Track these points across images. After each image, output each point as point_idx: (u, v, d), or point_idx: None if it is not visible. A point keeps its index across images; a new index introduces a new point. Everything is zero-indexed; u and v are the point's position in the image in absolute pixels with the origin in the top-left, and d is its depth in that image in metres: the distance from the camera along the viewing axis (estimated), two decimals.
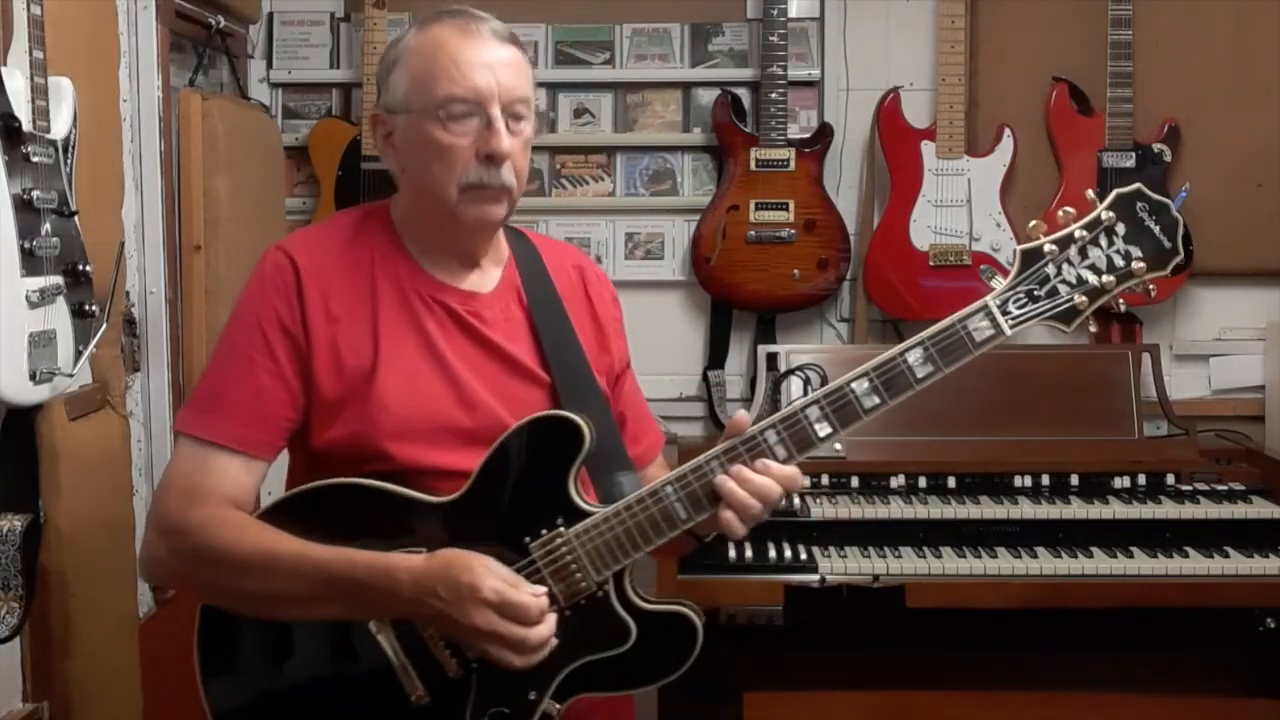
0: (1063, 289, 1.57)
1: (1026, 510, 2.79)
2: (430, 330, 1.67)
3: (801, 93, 3.44)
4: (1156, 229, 1.58)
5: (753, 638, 2.68)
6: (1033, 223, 1.61)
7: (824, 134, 3.36)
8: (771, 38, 3.28)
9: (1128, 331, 3.27)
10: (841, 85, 3.43)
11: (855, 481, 2.91)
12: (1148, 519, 2.77)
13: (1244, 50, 3.30)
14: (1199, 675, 2.83)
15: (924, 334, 1.57)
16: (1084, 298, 1.57)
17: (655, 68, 3.50)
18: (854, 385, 1.57)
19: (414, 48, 1.64)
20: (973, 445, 2.91)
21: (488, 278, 1.74)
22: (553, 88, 3.50)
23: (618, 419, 1.79)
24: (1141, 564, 2.65)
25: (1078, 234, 1.58)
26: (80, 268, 2.21)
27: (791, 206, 3.30)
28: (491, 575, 1.51)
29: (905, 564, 2.65)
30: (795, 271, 3.30)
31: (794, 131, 3.36)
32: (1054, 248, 1.58)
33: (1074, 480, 2.89)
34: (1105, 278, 1.57)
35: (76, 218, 2.20)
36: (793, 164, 3.31)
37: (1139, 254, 1.57)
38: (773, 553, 2.66)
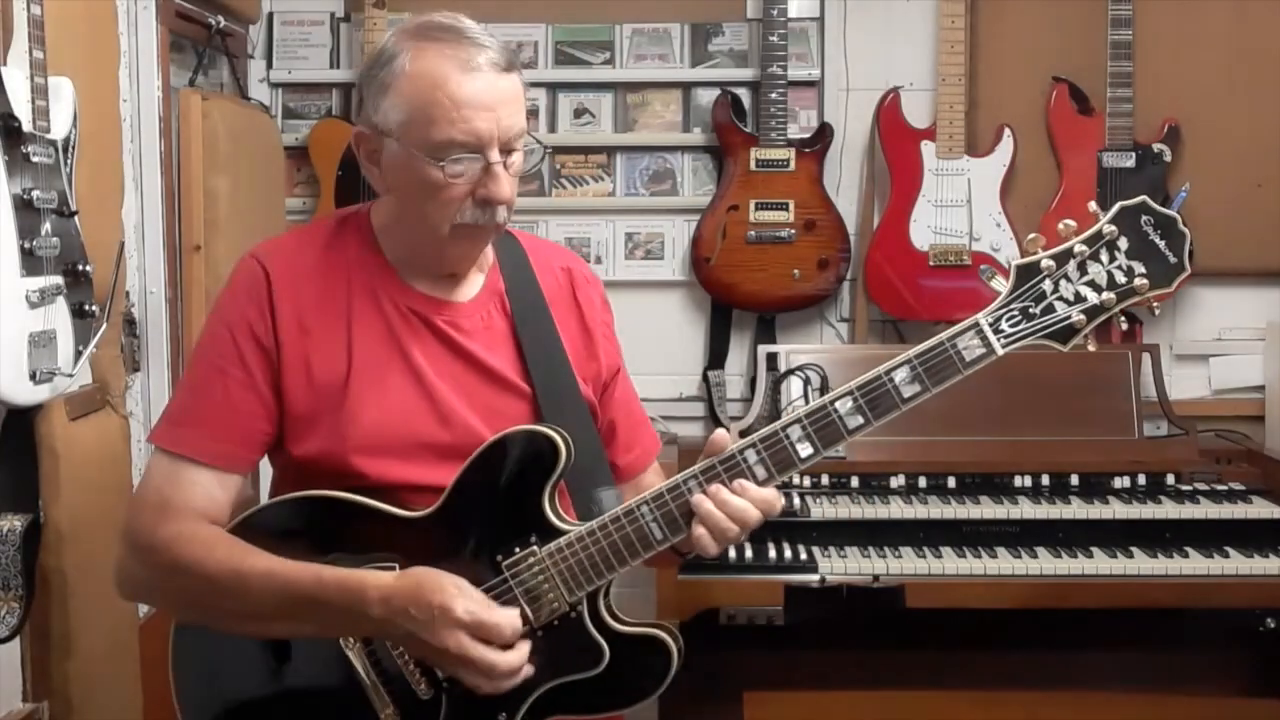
0: (1060, 306, 1.51)
1: (1026, 510, 2.79)
2: (406, 342, 1.64)
3: (801, 93, 3.44)
4: (1162, 244, 1.51)
5: (753, 638, 2.68)
6: (1030, 235, 1.54)
7: (824, 134, 3.36)
8: (771, 38, 3.28)
9: (1127, 331, 3.26)
10: (841, 85, 3.43)
11: (855, 481, 2.90)
12: (1148, 519, 2.77)
13: (1244, 50, 3.30)
14: (1199, 675, 2.83)
15: (911, 352, 1.52)
16: (1082, 316, 1.51)
17: (655, 68, 3.50)
18: (837, 405, 1.52)
19: (410, 76, 1.55)
20: (973, 445, 2.91)
21: (469, 285, 1.70)
22: (553, 88, 3.50)
23: (607, 427, 1.76)
24: (1141, 564, 2.65)
25: (1077, 249, 1.51)
26: (80, 268, 2.21)
27: (791, 206, 3.30)
28: (464, 596, 1.48)
29: (905, 564, 2.65)
30: (795, 271, 3.30)
31: (794, 131, 3.36)
32: (1051, 263, 1.51)
33: (1074, 480, 2.89)
34: (1105, 295, 1.50)
35: (76, 218, 2.21)
36: (793, 164, 3.31)
37: (1142, 270, 1.50)
38: (773, 553, 2.66)
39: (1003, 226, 3.27)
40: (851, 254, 3.34)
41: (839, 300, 3.43)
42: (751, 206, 3.30)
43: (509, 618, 1.50)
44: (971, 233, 3.27)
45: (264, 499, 1.68)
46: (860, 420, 1.52)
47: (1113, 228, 1.51)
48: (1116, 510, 2.78)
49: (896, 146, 3.31)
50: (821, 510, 2.77)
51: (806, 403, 2.97)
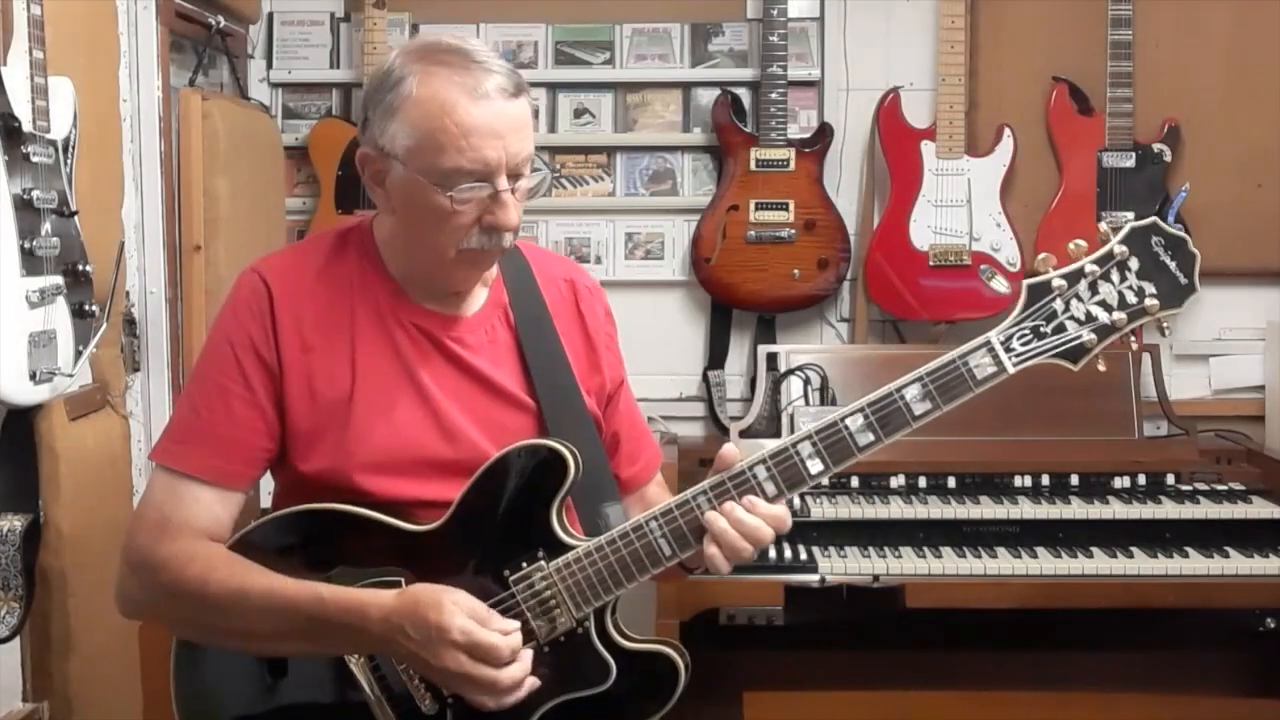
0: (1071, 325, 1.52)
1: (1026, 510, 2.79)
2: (411, 358, 1.63)
3: (801, 93, 3.43)
4: (1172, 264, 1.52)
5: (753, 638, 2.68)
6: (1041, 255, 1.54)
7: (824, 134, 3.36)
8: (771, 38, 3.28)
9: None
10: (841, 85, 3.43)
11: (855, 481, 2.90)
12: (1148, 519, 2.77)
13: (1244, 50, 3.29)
14: (1199, 675, 2.83)
15: (923, 369, 1.52)
16: (1093, 335, 1.52)
17: (655, 68, 3.49)
18: (848, 421, 1.52)
19: (417, 101, 1.52)
20: (973, 445, 2.91)
21: (473, 299, 1.68)
22: (553, 88, 3.50)
23: (611, 439, 1.76)
24: (1141, 564, 2.65)
25: (1088, 268, 1.52)
26: (80, 268, 2.21)
27: (791, 206, 3.30)
28: (460, 614, 1.46)
29: (905, 564, 2.65)
30: (795, 271, 3.30)
31: (794, 131, 3.36)
32: (1063, 282, 1.52)
33: (1074, 480, 2.89)
34: (1116, 315, 1.51)
35: (76, 218, 2.21)
36: (793, 164, 3.31)
37: (1153, 290, 1.51)
38: (773, 553, 2.65)
39: (1003, 226, 3.27)
40: (851, 254, 3.34)
41: (839, 300, 3.43)
42: (751, 206, 3.30)
43: (505, 638, 1.48)
44: (971, 233, 3.27)
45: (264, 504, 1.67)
46: (871, 437, 1.52)
47: (1124, 248, 1.52)
48: (1116, 510, 2.78)
49: (896, 146, 3.31)
50: (821, 510, 2.77)
51: (807, 403, 2.98)
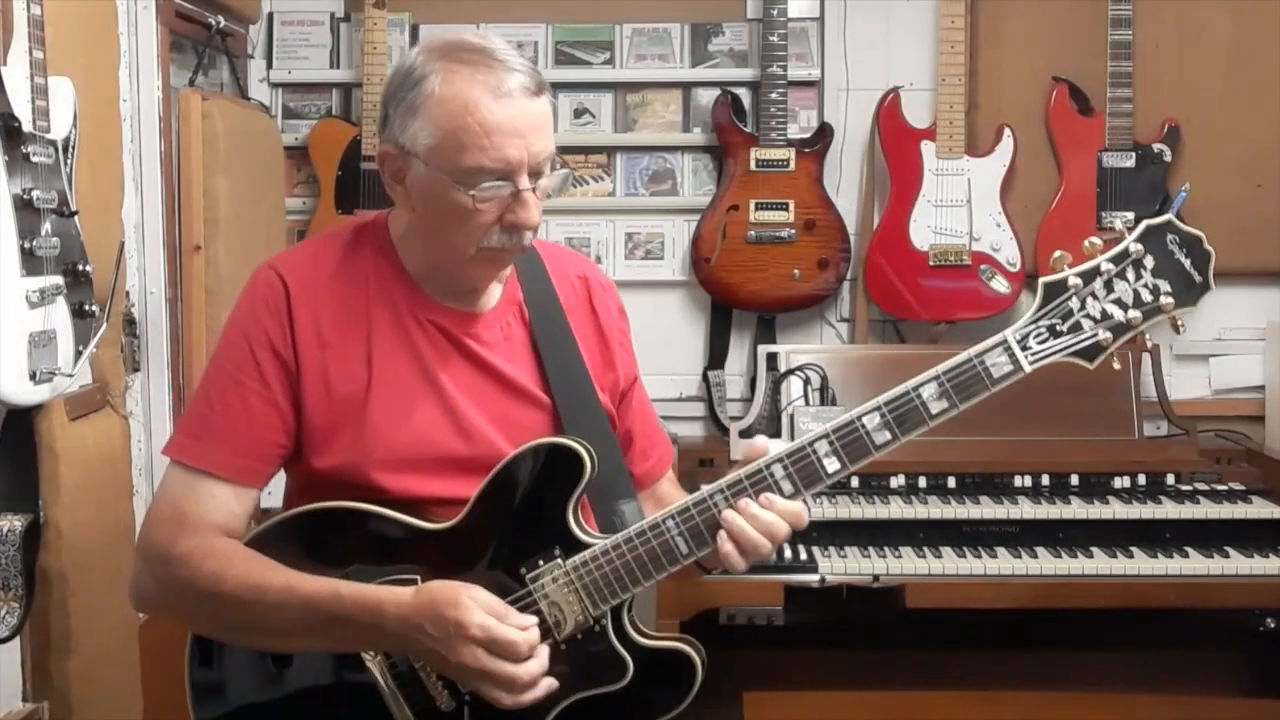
0: (1086, 324, 1.51)
1: (1026, 510, 2.79)
2: (427, 355, 1.63)
3: (801, 93, 3.43)
4: (1187, 262, 1.52)
5: (753, 638, 2.68)
6: (1056, 254, 1.53)
7: (824, 134, 3.36)
8: (771, 38, 3.28)
9: None
10: (841, 85, 3.43)
11: (855, 481, 2.90)
12: (1148, 519, 2.77)
13: (1244, 50, 3.30)
14: (1199, 675, 2.84)
15: (940, 368, 1.51)
16: (1108, 334, 1.51)
17: (655, 68, 3.49)
18: (864, 420, 1.51)
19: (440, 100, 1.52)
20: (973, 445, 2.91)
21: (488, 295, 1.68)
22: (553, 88, 3.48)
23: (625, 436, 1.75)
24: (1141, 564, 2.65)
25: (1104, 266, 1.51)
26: (80, 268, 2.21)
27: (791, 206, 3.30)
28: (478, 611, 1.46)
29: (905, 564, 2.65)
30: (795, 271, 3.30)
31: (794, 131, 3.36)
32: (1078, 280, 1.51)
33: (1074, 480, 2.90)
34: (1132, 313, 1.51)
35: (76, 218, 2.21)
36: (793, 164, 3.31)
37: (1167, 288, 1.51)
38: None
39: (1003, 226, 3.27)
40: (851, 254, 3.34)
41: (839, 300, 3.43)
42: (751, 206, 3.30)
43: (524, 634, 1.48)
44: (971, 233, 3.27)
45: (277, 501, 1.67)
46: (888, 436, 1.52)
47: (1139, 246, 1.51)
48: (1116, 510, 2.79)
49: (896, 146, 3.31)
50: (821, 510, 2.77)
51: (807, 403, 2.98)
